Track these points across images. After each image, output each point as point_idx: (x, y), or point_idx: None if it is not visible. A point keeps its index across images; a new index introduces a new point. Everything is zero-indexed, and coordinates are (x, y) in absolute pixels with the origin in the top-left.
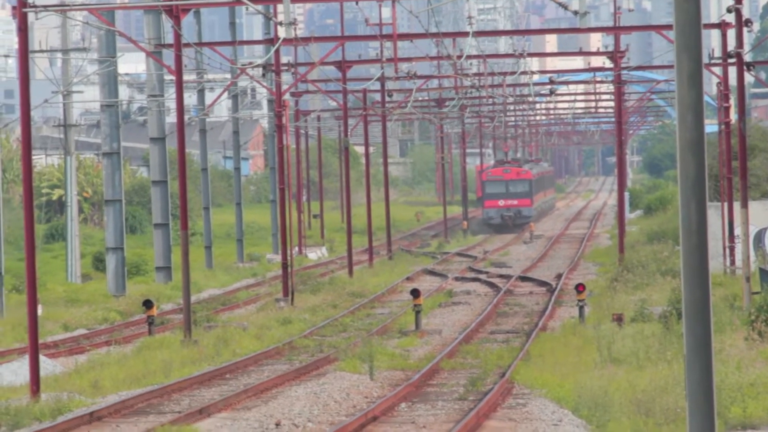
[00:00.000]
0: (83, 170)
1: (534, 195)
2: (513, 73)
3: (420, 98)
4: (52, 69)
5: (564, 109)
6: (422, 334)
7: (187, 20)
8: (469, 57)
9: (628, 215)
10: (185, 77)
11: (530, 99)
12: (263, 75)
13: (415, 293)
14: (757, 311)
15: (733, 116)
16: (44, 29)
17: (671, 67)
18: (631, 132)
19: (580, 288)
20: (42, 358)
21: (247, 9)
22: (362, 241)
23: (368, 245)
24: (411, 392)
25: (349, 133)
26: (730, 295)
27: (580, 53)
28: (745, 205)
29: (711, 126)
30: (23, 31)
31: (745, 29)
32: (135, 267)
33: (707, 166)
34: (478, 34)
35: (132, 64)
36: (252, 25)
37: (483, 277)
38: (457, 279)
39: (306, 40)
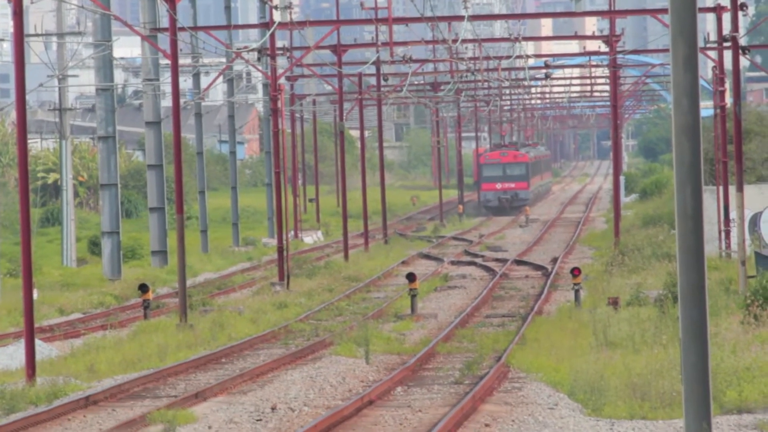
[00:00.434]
0: (78, 154)
1: (531, 178)
2: (508, 57)
3: (415, 82)
4: (47, 53)
5: (559, 93)
6: (418, 318)
7: (183, 4)
8: (464, 41)
9: (623, 199)
10: (180, 61)
11: (526, 83)
12: (258, 59)
13: (411, 277)
14: (752, 295)
15: (729, 100)
16: (39, 13)
17: (666, 50)
18: (626, 116)
19: (575, 272)
20: (37, 342)
21: None
22: (358, 225)
23: (364, 229)
24: (407, 376)
25: (344, 117)
26: (726, 279)
27: (576, 37)
28: (740, 189)
29: (706, 110)
30: (18, 15)
31: (740, 13)
32: (130, 251)
33: (702, 150)
34: (474, 18)
35: (127, 48)
36: (247, 9)
37: (479, 261)
38: (452, 263)
39: (301, 24)
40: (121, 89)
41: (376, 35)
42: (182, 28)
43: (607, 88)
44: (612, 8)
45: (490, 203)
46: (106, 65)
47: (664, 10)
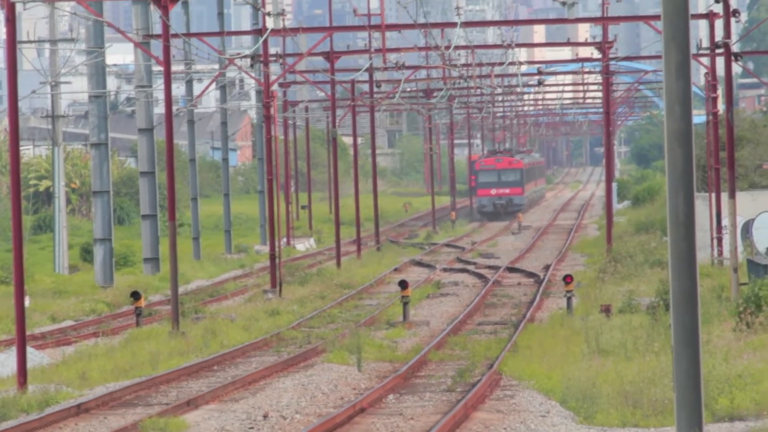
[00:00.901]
0: (71, 161)
1: (525, 184)
2: (501, 63)
3: (408, 89)
4: (39, 59)
5: (552, 99)
6: (410, 325)
7: (175, 11)
8: (457, 47)
9: (615, 206)
10: (173, 68)
11: (518, 89)
12: (251, 66)
13: (403, 284)
14: (744, 302)
15: (721, 107)
16: (32, 20)
17: (659, 57)
18: (619, 122)
19: (567, 279)
20: (29, 349)
21: (235, 0)
22: (350, 232)
23: (356, 236)
24: (399, 384)
25: (337, 124)
26: (718, 286)
27: (568, 44)
28: (732, 196)
29: (699, 116)
30: (11, 21)
31: (732, 19)
32: (123, 258)
33: (695, 156)
34: (466, 24)
35: (120, 54)
36: (240, 15)
37: (471, 268)
38: (445, 270)
39: (294, 30)
40: (114, 96)
41: (369, 42)
42: (175, 35)
43: (600, 94)
44: (604, 15)
45: (486, 208)
46: (98, 72)
47: (656, 17)
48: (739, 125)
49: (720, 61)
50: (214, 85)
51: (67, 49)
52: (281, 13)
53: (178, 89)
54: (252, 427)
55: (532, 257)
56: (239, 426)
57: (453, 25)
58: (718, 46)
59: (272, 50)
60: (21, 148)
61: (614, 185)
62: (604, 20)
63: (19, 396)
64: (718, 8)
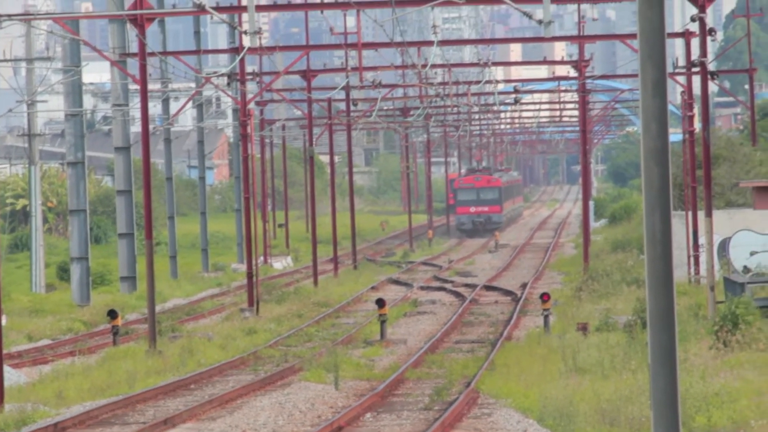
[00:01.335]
0: (48, 180)
1: (504, 202)
2: (478, 82)
3: (385, 107)
4: (16, 78)
5: (529, 118)
6: (387, 343)
7: (152, 29)
8: (434, 66)
9: (592, 224)
10: (150, 86)
11: (495, 108)
12: (228, 84)
13: (380, 303)
14: (721, 320)
15: (697, 125)
16: (8, 38)
17: (635, 76)
18: (595, 141)
19: (545, 297)
20: (6, 368)
21: (211, 18)
22: (327, 250)
23: (333, 255)
24: (376, 402)
25: (314, 143)
26: (695, 305)
27: (545, 62)
28: (709, 214)
29: (675, 135)
30: None
31: (708, 38)
32: (100, 277)
33: (671, 175)
34: (443, 43)
35: (96, 73)
36: (217, 34)
37: (448, 286)
38: (422, 288)
39: (271, 49)
40: (91, 114)
41: (346, 60)
42: (152, 53)
43: (577, 113)
44: (581, 33)
45: (465, 226)
46: (75, 90)
47: (633, 35)
48: (716, 144)
49: (696, 80)
50: (190, 104)
51: (43, 67)
52: (258, 32)
53: (155, 108)
54: None
55: (510, 275)
56: None
57: (430, 43)
58: (694, 65)
59: (249, 69)
60: None
61: (591, 203)
62: (580, 39)
63: None
64: (695, 27)
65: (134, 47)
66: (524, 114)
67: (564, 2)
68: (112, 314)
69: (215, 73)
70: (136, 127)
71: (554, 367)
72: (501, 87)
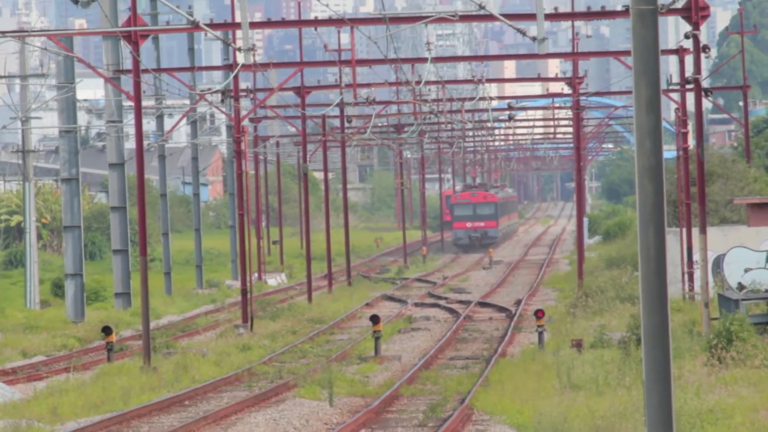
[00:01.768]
0: (42, 196)
1: (500, 218)
2: (472, 98)
3: (379, 124)
4: (10, 95)
5: (523, 134)
6: (382, 360)
7: (146, 46)
8: (427, 83)
9: (587, 241)
10: (144, 103)
11: (489, 125)
12: (222, 101)
13: (375, 319)
14: (715, 337)
15: (692, 142)
16: (2, 55)
17: (629, 92)
18: (589, 158)
19: (539, 314)
20: (0, 384)
21: (205, 35)
22: (322, 267)
23: (327, 271)
24: (370, 419)
25: (308, 159)
26: (689, 321)
27: (539, 79)
28: (703, 231)
29: (669, 152)
30: None
31: (702, 55)
32: (94, 293)
33: (666, 191)
34: (437, 59)
35: (90, 90)
36: (211, 50)
37: (442, 302)
38: (416, 305)
39: (265, 65)
40: (85, 131)
41: (340, 77)
42: (145, 70)
43: (571, 129)
44: (575, 50)
45: (461, 241)
46: (69, 107)
47: (627, 52)
48: (710, 160)
49: (690, 97)
50: (184, 120)
51: (37, 84)
52: (252, 49)
53: (149, 124)
54: None
55: (504, 292)
56: None
57: (423, 60)
58: (688, 82)
59: (243, 85)
60: None
61: (585, 220)
62: (574, 56)
63: None
64: (688, 44)
65: (128, 64)
66: (518, 131)
67: (558, 19)
68: (107, 330)
69: (209, 89)
70: (130, 144)
71: (549, 383)
72: (495, 104)
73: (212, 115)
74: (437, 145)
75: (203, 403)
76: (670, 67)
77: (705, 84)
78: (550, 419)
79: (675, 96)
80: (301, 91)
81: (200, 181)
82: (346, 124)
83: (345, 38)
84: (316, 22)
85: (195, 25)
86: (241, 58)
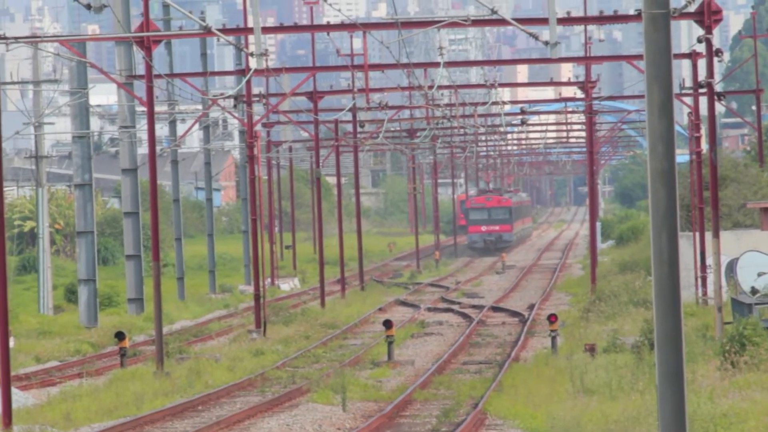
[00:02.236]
0: (55, 202)
1: (514, 222)
2: (484, 103)
3: (392, 129)
4: (23, 100)
5: (535, 139)
6: (395, 365)
7: (159, 51)
8: (440, 87)
9: (600, 245)
10: (156, 108)
11: (502, 129)
12: (235, 106)
13: (388, 324)
14: (729, 341)
15: (705, 146)
16: (15, 60)
17: (642, 97)
18: (602, 162)
19: (552, 318)
20: (14, 390)
21: (218, 40)
22: (334, 271)
23: (340, 276)
24: (384, 423)
25: (320, 164)
26: (703, 326)
27: (551, 83)
28: (716, 235)
29: (682, 156)
30: None
31: (715, 59)
32: (107, 298)
33: (678, 196)
34: (449, 64)
35: (103, 95)
36: (223, 55)
37: (455, 307)
38: (429, 309)
39: (277, 70)
40: (98, 136)
41: (353, 82)
42: (158, 75)
43: (583, 134)
44: (587, 54)
45: (476, 244)
46: (82, 112)
47: (639, 57)
48: (723, 164)
49: (703, 101)
50: (197, 126)
51: (50, 89)
52: (264, 54)
53: (162, 129)
54: None
55: (517, 297)
56: None
57: (436, 65)
58: (701, 86)
59: (255, 90)
60: (5, 188)
61: (598, 225)
62: (586, 60)
63: None
64: (701, 48)
65: (141, 69)
66: (531, 135)
67: (570, 24)
68: (120, 336)
69: (222, 94)
70: (143, 149)
71: (562, 388)
72: (508, 108)
73: (225, 120)
74: (450, 150)
75: (216, 408)
76: (683, 71)
77: (718, 88)
78: (563, 424)
79: (688, 100)
80: (314, 96)
81: (213, 186)
82: (359, 129)
83: (357, 43)
84: (329, 27)
85: (207, 31)
86: (253, 63)
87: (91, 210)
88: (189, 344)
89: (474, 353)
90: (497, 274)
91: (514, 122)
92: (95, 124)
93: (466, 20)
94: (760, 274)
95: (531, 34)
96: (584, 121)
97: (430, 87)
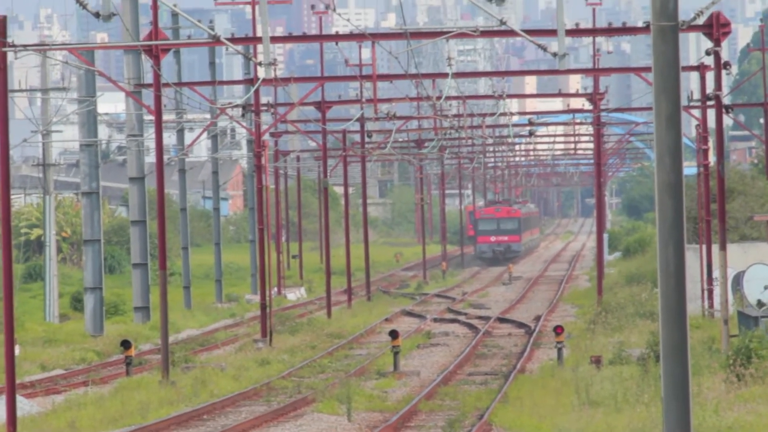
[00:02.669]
0: (62, 210)
1: (522, 232)
2: (492, 114)
3: (399, 139)
4: (31, 108)
5: (543, 150)
6: (400, 375)
7: (167, 60)
8: (448, 98)
9: (606, 257)
10: (165, 117)
11: (509, 140)
12: (243, 115)
13: (394, 334)
14: (735, 354)
15: (712, 158)
16: (24, 68)
17: (650, 109)
18: (610, 174)
19: (558, 330)
20: (19, 398)
21: (227, 49)
22: (341, 281)
23: (347, 286)
24: None
25: (328, 174)
26: (709, 338)
27: (560, 95)
28: (723, 248)
29: (690, 168)
30: (2, 70)
31: (723, 72)
32: (113, 307)
33: (686, 208)
34: (458, 75)
35: (111, 103)
36: (232, 65)
37: (462, 318)
38: (435, 320)
39: (286, 80)
40: (105, 145)
41: (361, 92)
42: (166, 84)
43: (591, 145)
44: (596, 66)
45: (485, 254)
46: (90, 121)
47: (647, 69)
48: (730, 177)
49: (711, 113)
50: (205, 135)
51: (58, 98)
52: (273, 63)
53: (170, 138)
54: None
55: (523, 308)
56: None
57: (444, 75)
58: (709, 98)
59: (264, 100)
60: (12, 196)
61: (605, 236)
62: (595, 72)
63: None
64: (709, 60)
65: (149, 78)
66: (539, 146)
67: (579, 35)
68: (126, 344)
69: (230, 104)
70: (150, 158)
71: (567, 399)
72: (515, 119)
73: (233, 130)
74: (458, 161)
75: (221, 417)
76: (691, 83)
77: (726, 101)
78: None
79: (696, 112)
80: (322, 105)
81: (220, 196)
82: (367, 139)
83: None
84: (338, 37)
85: (216, 40)
86: (262, 73)
87: (98, 218)
88: (195, 353)
89: (480, 364)
90: (504, 285)
91: (522, 133)
92: (103, 132)
93: (474, 31)
94: (766, 287)
95: (539, 46)
96: (592, 132)
97: (439, 98)
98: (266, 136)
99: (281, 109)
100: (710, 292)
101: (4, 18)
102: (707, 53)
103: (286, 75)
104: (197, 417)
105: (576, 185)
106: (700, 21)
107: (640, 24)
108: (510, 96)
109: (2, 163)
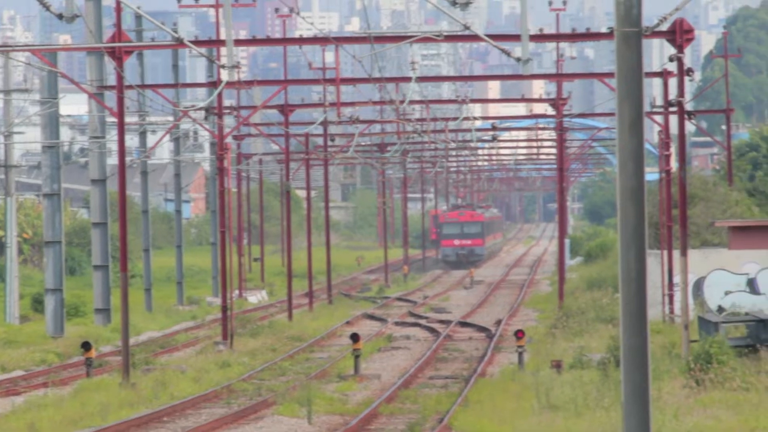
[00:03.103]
0: (23, 211)
1: (485, 236)
2: (455, 118)
3: (362, 143)
4: None
5: (506, 155)
6: (361, 378)
7: (130, 62)
8: (411, 102)
9: (568, 262)
10: (127, 119)
11: (472, 145)
12: (205, 118)
13: (355, 338)
14: (695, 359)
15: (674, 164)
16: None
17: (613, 114)
18: (572, 179)
19: (519, 334)
20: None
21: (190, 52)
22: (303, 284)
23: (308, 289)
24: None
25: (290, 177)
26: (669, 343)
27: (523, 100)
28: (684, 254)
29: (652, 174)
30: None
31: (686, 78)
32: (74, 308)
33: (647, 213)
34: (421, 79)
35: (74, 105)
36: (195, 67)
37: (423, 322)
38: (397, 324)
39: (249, 83)
40: (68, 146)
41: (324, 95)
42: (129, 86)
43: (554, 150)
44: (559, 72)
45: (449, 258)
46: (52, 122)
47: (610, 74)
48: (692, 183)
49: (674, 119)
50: (168, 137)
51: (20, 99)
52: (236, 66)
53: (132, 140)
54: None
55: (484, 312)
56: None
57: (408, 79)
58: (671, 105)
59: (227, 102)
60: None
61: (567, 241)
62: (558, 77)
63: None
64: (673, 67)
65: (112, 80)
66: (501, 151)
67: (543, 41)
68: (86, 346)
69: (193, 106)
70: (112, 160)
71: (528, 403)
72: (479, 124)
73: (195, 132)
74: (420, 165)
75: (182, 419)
76: (653, 89)
77: (688, 107)
78: None
79: (658, 118)
80: (285, 109)
81: (182, 198)
82: (330, 143)
83: (329, 57)
84: (301, 41)
85: (179, 42)
86: (225, 76)
87: (60, 220)
88: (155, 355)
89: (441, 368)
90: (465, 289)
91: (485, 138)
92: (65, 134)
93: (438, 35)
94: (726, 293)
95: (503, 51)
96: (555, 137)
97: (402, 102)
98: (229, 139)
99: (244, 112)
100: (671, 297)
101: None
102: (670, 59)
103: (250, 78)
104: (157, 419)
105: (538, 190)
106: (664, 27)
107: (603, 30)
108: (473, 100)
109: None
